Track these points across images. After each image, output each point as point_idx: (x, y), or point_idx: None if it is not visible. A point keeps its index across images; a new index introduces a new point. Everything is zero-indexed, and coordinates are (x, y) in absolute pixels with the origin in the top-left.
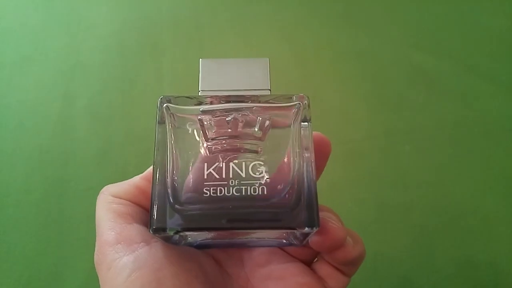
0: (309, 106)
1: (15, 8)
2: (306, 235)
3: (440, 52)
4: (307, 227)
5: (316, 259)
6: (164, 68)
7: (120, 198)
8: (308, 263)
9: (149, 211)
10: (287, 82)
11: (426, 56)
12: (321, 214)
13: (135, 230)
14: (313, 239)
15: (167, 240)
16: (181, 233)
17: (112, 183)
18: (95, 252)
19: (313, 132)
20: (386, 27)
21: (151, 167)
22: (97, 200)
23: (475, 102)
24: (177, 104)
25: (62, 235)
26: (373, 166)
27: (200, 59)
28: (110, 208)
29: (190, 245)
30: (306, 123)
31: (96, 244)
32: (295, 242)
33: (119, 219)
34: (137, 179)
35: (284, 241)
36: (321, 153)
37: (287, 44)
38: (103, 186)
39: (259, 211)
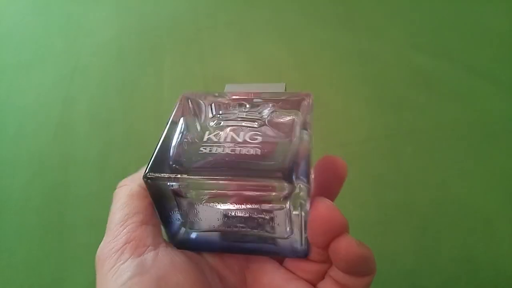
0: (312, 103)
1: (15, 14)
2: (301, 209)
3: (441, 53)
4: (300, 180)
5: (323, 280)
6: (164, 72)
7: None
8: (314, 283)
9: None
10: (288, 84)
11: (426, 58)
12: (317, 199)
13: (147, 232)
14: (309, 222)
15: (160, 196)
16: (174, 183)
17: (112, 187)
18: (100, 246)
19: (330, 155)
20: (387, 29)
21: None
22: (117, 193)
23: (476, 103)
24: (195, 97)
25: (63, 240)
26: (375, 167)
27: (226, 85)
28: (131, 203)
29: (194, 243)
30: (307, 127)
31: (104, 238)
32: (297, 244)
33: (134, 218)
34: None
35: (285, 237)
36: (337, 176)
37: (288, 46)
38: (104, 191)
39: (252, 164)
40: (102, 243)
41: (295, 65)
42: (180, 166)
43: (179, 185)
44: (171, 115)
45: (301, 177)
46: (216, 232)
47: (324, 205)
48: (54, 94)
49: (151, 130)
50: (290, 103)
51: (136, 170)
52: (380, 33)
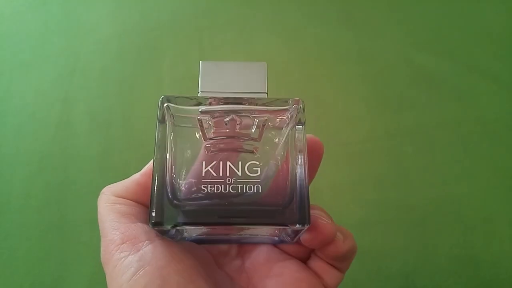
0: (303, 110)
1: (13, 13)
2: (298, 232)
3: (441, 52)
4: (298, 224)
5: (313, 259)
6: (164, 71)
7: (122, 198)
8: (304, 261)
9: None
10: (288, 84)
11: (427, 56)
12: (311, 212)
13: (139, 229)
14: (305, 236)
15: (164, 234)
16: (179, 227)
17: None
18: (101, 252)
19: (312, 133)
20: (387, 28)
21: (150, 162)
22: (98, 201)
23: (477, 102)
24: (177, 104)
25: (64, 239)
26: (375, 167)
27: (200, 61)
28: (113, 208)
29: (185, 240)
30: (300, 126)
31: (102, 244)
32: (287, 239)
33: (123, 219)
34: (137, 176)
35: (276, 238)
36: (314, 154)
37: (287, 46)
38: None
39: (254, 208)
40: (101, 249)
41: (295, 65)
42: (180, 202)
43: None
44: (156, 133)
45: (303, 219)
46: (206, 234)
47: (321, 225)
48: (53, 93)
49: (151, 129)
50: (280, 113)
51: (135, 170)
52: (381, 32)
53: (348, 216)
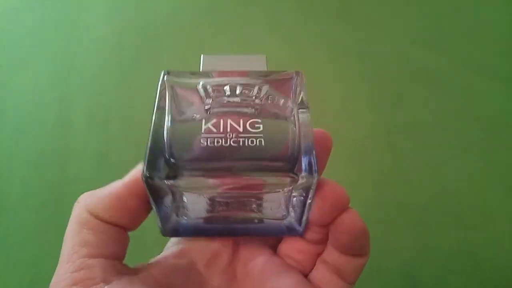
0: (303, 80)
1: (11, 11)
2: (308, 191)
3: (441, 49)
4: (307, 172)
5: (315, 268)
6: (163, 68)
7: (96, 216)
8: (308, 271)
9: (127, 230)
10: None
11: (426, 53)
12: (322, 180)
13: (96, 267)
14: (315, 205)
15: (157, 197)
16: (172, 181)
17: None
18: (50, 284)
19: (314, 127)
20: (386, 24)
21: (134, 169)
22: (72, 211)
23: (476, 98)
24: (179, 77)
25: (62, 238)
26: (375, 164)
27: (202, 55)
28: (80, 232)
29: (183, 226)
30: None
31: (56, 272)
32: (296, 227)
33: (84, 249)
34: (118, 189)
35: (284, 223)
36: (323, 148)
37: (286, 42)
38: None
39: (257, 158)
40: (53, 278)
41: (295, 62)
42: (180, 160)
43: (180, 186)
44: (156, 98)
45: (310, 168)
46: (208, 218)
47: (331, 186)
48: (51, 91)
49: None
50: (281, 82)
51: (134, 166)
52: (380, 28)
53: None
